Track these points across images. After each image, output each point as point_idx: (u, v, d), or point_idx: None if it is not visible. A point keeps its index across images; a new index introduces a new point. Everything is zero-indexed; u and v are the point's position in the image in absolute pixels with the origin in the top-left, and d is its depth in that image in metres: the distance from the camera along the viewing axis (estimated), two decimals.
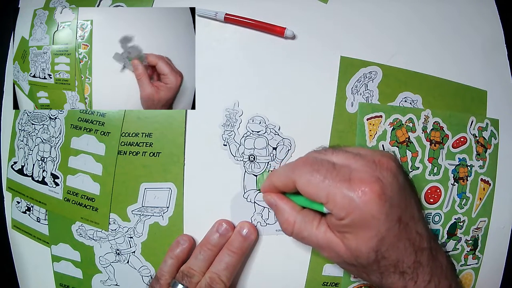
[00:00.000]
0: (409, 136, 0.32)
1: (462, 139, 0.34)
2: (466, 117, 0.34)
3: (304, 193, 0.25)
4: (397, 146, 0.32)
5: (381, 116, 0.32)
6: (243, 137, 0.32)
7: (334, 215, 0.24)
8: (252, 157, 0.32)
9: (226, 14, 0.32)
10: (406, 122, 0.32)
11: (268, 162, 0.32)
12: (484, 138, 0.34)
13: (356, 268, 0.25)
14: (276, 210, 0.28)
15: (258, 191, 0.32)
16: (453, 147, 0.33)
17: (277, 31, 0.32)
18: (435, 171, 0.33)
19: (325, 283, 0.33)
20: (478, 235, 0.35)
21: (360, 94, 0.32)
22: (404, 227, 0.24)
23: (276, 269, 0.32)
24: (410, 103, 0.33)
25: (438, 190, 0.33)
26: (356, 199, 0.22)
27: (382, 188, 0.23)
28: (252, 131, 0.32)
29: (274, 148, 0.32)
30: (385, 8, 0.34)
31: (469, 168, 0.34)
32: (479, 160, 0.34)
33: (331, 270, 0.32)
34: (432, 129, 0.33)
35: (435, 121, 0.33)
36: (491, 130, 0.35)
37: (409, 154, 0.32)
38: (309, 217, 0.27)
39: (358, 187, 0.23)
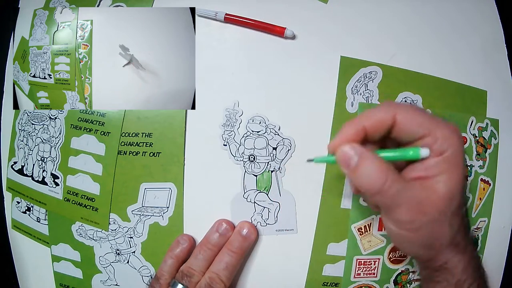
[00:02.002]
0: None
1: None
2: (466, 117, 0.34)
3: (406, 126, 0.24)
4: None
5: None
6: (243, 137, 0.32)
7: (434, 151, 0.24)
8: (252, 157, 0.32)
9: (226, 14, 0.32)
10: None
11: (268, 162, 0.32)
12: (484, 138, 0.34)
13: (440, 224, 0.24)
14: (360, 163, 0.23)
15: (258, 191, 0.32)
16: None
17: (277, 31, 0.32)
18: None
19: (325, 283, 0.33)
20: (478, 235, 0.35)
21: (360, 94, 0.32)
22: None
23: (276, 269, 0.32)
24: (410, 103, 0.33)
25: None
26: (453, 135, 0.24)
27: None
28: (252, 131, 0.32)
29: (274, 148, 0.32)
30: (385, 8, 0.33)
31: (469, 168, 0.34)
32: (479, 160, 0.34)
33: (331, 270, 0.32)
34: None
35: None
36: (491, 130, 0.35)
37: None
38: (397, 172, 0.24)
39: (452, 126, 0.24)
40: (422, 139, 0.24)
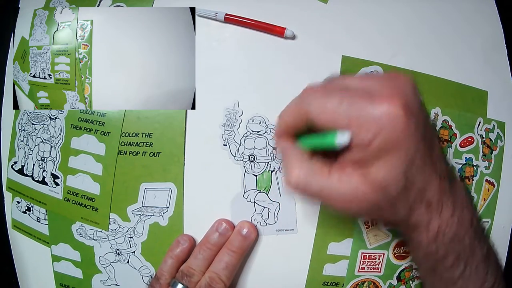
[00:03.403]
0: None
1: (469, 139, 0.34)
2: (474, 118, 0.34)
3: (320, 122, 0.21)
4: None
5: None
6: (243, 137, 0.32)
7: (358, 143, 0.20)
8: (252, 157, 0.32)
9: (226, 14, 0.32)
10: None
11: (268, 162, 0.32)
12: (491, 140, 0.34)
13: (380, 209, 0.22)
14: (284, 157, 0.24)
15: (258, 191, 0.32)
16: (460, 146, 0.34)
17: (277, 31, 0.32)
18: None
19: (326, 283, 0.33)
20: None
21: None
22: (428, 147, 0.22)
23: (276, 269, 0.32)
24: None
25: None
26: (383, 117, 0.19)
27: (406, 101, 0.20)
28: (252, 131, 0.32)
29: (274, 148, 0.32)
30: (385, 8, 0.34)
31: (475, 168, 0.34)
32: (484, 161, 0.34)
33: (332, 270, 0.32)
34: (441, 127, 0.33)
35: (444, 119, 0.33)
36: (498, 132, 0.35)
37: None
38: (316, 166, 0.22)
39: (381, 103, 0.20)
40: (347, 129, 0.20)
